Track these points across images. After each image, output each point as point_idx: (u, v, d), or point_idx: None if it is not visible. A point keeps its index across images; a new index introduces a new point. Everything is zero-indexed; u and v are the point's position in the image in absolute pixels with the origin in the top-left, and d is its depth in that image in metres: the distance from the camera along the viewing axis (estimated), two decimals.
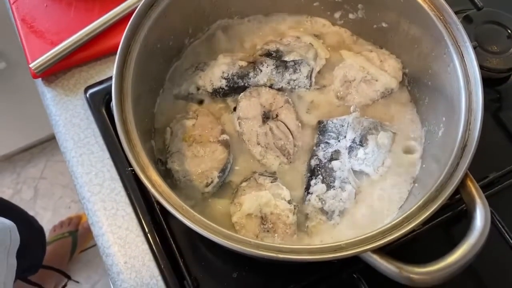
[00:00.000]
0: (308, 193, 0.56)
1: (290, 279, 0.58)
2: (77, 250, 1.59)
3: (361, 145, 0.57)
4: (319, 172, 0.57)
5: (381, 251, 0.43)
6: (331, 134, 0.58)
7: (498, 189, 0.64)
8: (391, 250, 0.44)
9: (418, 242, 0.61)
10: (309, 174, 0.58)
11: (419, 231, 0.60)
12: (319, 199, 0.55)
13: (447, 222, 0.62)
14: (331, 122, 0.59)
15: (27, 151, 1.80)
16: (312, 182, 0.57)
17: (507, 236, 0.60)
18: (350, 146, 0.57)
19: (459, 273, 0.58)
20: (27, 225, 1.23)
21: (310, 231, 0.55)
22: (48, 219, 1.67)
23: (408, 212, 0.44)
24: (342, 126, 0.58)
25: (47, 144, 1.81)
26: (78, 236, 1.59)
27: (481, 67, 0.70)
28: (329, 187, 0.56)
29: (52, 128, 0.71)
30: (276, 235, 0.53)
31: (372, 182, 0.57)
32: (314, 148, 0.59)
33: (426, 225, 0.60)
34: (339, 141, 0.58)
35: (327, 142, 0.58)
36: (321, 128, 0.60)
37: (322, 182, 0.56)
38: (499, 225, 0.60)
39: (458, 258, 0.42)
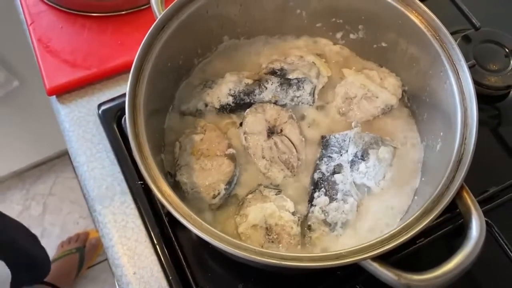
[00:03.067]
0: (312, 205, 0.58)
1: None
2: (84, 267, 1.60)
3: (363, 159, 0.59)
4: (322, 185, 0.59)
5: (381, 259, 0.45)
6: (334, 148, 0.60)
7: (498, 203, 0.65)
8: (395, 262, 0.46)
9: (421, 254, 0.62)
10: (312, 187, 0.60)
11: (422, 244, 0.62)
12: (322, 211, 0.57)
13: (449, 235, 0.63)
14: (333, 137, 0.61)
15: (36, 168, 1.83)
16: (316, 194, 0.59)
17: (507, 249, 0.61)
18: (352, 160, 0.59)
19: (459, 281, 0.60)
20: (31, 240, 1.25)
21: (313, 242, 0.57)
22: (56, 235, 1.69)
23: (406, 223, 0.46)
24: (344, 140, 0.60)
25: (57, 161, 1.84)
26: (86, 253, 1.60)
27: (480, 85, 0.73)
28: (331, 199, 0.58)
29: (63, 145, 0.74)
30: (280, 245, 0.55)
31: (373, 195, 0.59)
32: (317, 162, 0.61)
33: (428, 238, 0.62)
34: (341, 155, 0.60)
35: (330, 156, 0.60)
36: (324, 142, 0.62)
37: (325, 194, 0.58)
38: (499, 238, 0.62)
39: (454, 266, 0.43)
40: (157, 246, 0.63)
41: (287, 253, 0.44)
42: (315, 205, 0.58)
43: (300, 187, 0.61)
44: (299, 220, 0.57)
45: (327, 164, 0.60)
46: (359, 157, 0.59)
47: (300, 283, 0.61)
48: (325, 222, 0.57)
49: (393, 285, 0.44)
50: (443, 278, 0.43)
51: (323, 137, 0.63)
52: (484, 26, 0.76)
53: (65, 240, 1.63)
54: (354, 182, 0.59)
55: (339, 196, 0.58)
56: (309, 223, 0.58)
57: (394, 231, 0.45)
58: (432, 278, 0.43)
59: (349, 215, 0.57)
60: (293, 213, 0.57)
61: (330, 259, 0.44)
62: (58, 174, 1.83)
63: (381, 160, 0.59)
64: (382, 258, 0.44)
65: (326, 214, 0.57)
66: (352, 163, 0.59)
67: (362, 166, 0.59)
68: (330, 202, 0.58)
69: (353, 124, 0.63)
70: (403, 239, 0.45)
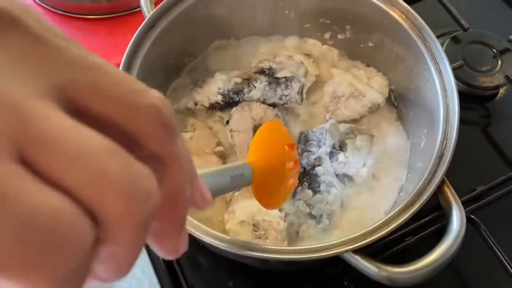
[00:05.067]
0: (296, 199, 0.59)
1: None
2: None
3: (341, 150, 0.60)
4: (304, 179, 0.60)
5: (363, 252, 0.45)
6: (313, 142, 0.61)
7: (486, 201, 0.66)
8: (383, 259, 0.46)
9: (409, 252, 0.63)
10: None
11: (410, 242, 0.62)
12: (307, 204, 0.59)
13: (437, 233, 0.63)
14: (311, 132, 0.63)
15: None
16: (299, 189, 0.60)
17: (494, 247, 0.61)
18: (330, 151, 0.60)
19: (447, 281, 0.61)
20: None
21: (301, 236, 0.57)
22: None
23: (388, 216, 0.47)
24: (322, 134, 0.61)
25: None
26: None
27: (469, 85, 0.74)
28: (315, 192, 0.59)
29: None
30: (268, 241, 0.56)
31: (357, 186, 0.60)
32: (298, 157, 0.62)
33: (416, 236, 0.63)
34: (320, 148, 0.61)
35: (309, 151, 0.61)
36: (302, 138, 0.63)
37: (308, 188, 0.59)
38: (487, 236, 0.62)
39: (435, 258, 0.44)
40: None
41: (270, 246, 0.45)
42: (299, 199, 0.59)
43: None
44: (285, 216, 0.57)
45: (307, 158, 0.61)
46: (337, 148, 0.60)
47: (289, 280, 0.61)
48: (310, 215, 0.58)
49: (374, 278, 0.44)
50: (424, 270, 0.44)
51: (301, 133, 0.64)
52: (473, 28, 0.77)
53: None
54: (335, 173, 0.60)
55: (322, 187, 0.59)
56: (295, 217, 0.58)
57: (376, 224, 0.46)
58: (413, 270, 0.44)
59: (333, 206, 0.58)
60: (279, 209, 0.57)
61: (312, 252, 0.45)
62: None
63: (359, 149, 0.60)
64: (368, 254, 0.45)
65: (311, 207, 0.58)
66: (331, 154, 0.60)
67: (341, 156, 0.60)
68: (313, 194, 0.59)
69: (327, 116, 0.64)
70: (384, 232, 0.45)
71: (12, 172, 0.14)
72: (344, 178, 0.60)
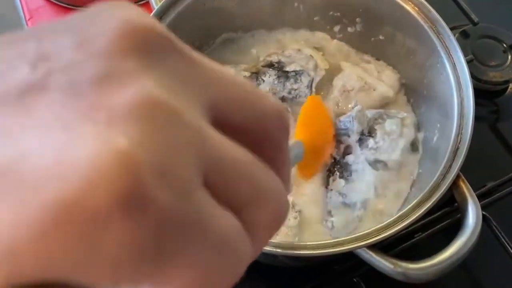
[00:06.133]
0: (329, 190, 0.59)
1: (291, 285, 0.59)
2: None
3: (370, 136, 0.59)
4: (335, 169, 0.59)
5: (377, 248, 0.45)
6: (341, 131, 0.60)
7: (496, 197, 0.65)
8: (393, 255, 0.46)
9: (419, 248, 0.62)
10: (327, 173, 0.60)
11: (420, 237, 0.62)
12: (340, 193, 0.58)
13: (447, 229, 0.63)
14: (338, 121, 0.61)
15: None
16: (330, 179, 0.59)
17: (505, 243, 0.61)
18: (359, 138, 0.59)
19: (457, 275, 0.60)
20: None
21: (337, 228, 0.56)
22: None
23: (403, 212, 0.46)
24: (350, 121, 0.60)
25: None
26: None
27: (479, 80, 0.73)
28: (347, 181, 0.58)
29: None
30: (277, 237, 0.55)
31: (391, 170, 0.58)
32: None
33: (426, 232, 0.62)
34: (349, 137, 0.60)
35: (339, 141, 0.60)
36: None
37: (340, 177, 0.59)
38: (497, 232, 0.62)
39: (450, 254, 0.43)
40: None
41: (283, 242, 0.44)
42: (332, 190, 0.58)
43: (300, 183, 0.60)
44: (296, 212, 0.57)
45: (337, 149, 0.60)
46: (366, 134, 0.59)
47: (296, 276, 0.61)
48: (344, 204, 0.57)
49: (389, 274, 0.44)
50: (439, 266, 0.43)
51: None
52: (483, 22, 0.76)
53: None
54: (367, 160, 0.58)
55: (354, 176, 0.58)
56: (328, 208, 0.58)
57: (390, 220, 0.45)
58: (428, 266, 0.43)
59: (367, 194, 0.57)
60: (291, 206, 0.56)
61: (326, 247, 0.44)
62: None
63: (389, 133, 0.58)
64: (377, 246, 0.44)
65: (345, 196, 0.57)
66: (360, 141, 0.59)
67: (371, 142, 0.58)
68: (346, 183, 0.58)
69: (352, 103, 0.63)
70: (399, 228, 0.45)
71: (205, 197, 0.15)
72: (376, 164, 0.58)
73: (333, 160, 0.60)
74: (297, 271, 0.61)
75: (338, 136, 0.60)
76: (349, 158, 0.59)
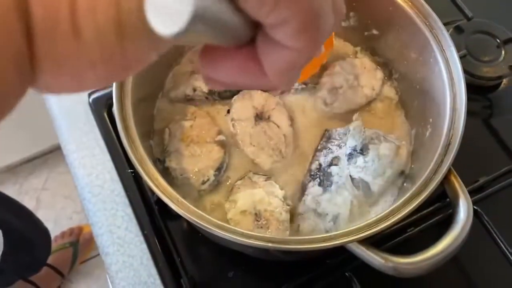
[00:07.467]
0: (305, 194, 0.58)
1: (283, 279, 0.59)
2: (77, 261, 1.60)
3: (362, 153, 0.57)
4: (317, 175, 0.58)
5: (369, 243, 0.45)
6: (334, 141, 0.60)
7: (488, 192, 0.65)
8: (385, 250, 0.46)
9: (411, 243, 0.62)
10: (308, 177, 0.59)
11: (412, 232, 0.62)
12: (314, 200, 0.57)
13: (439, 225, 0.63)
14: (335, 130, 0.61)
15: (29, 162, 1.82)
16: (310, 184, 0.58)
17: (497, 238, 0.61)
18: (350, 153, 0.58)
19: (448, 271, 0.60)
20: (33, 225, 1.25)
21: (301, 231, 0.56)
22: (50, 229, 1.68)
23: (394, 206, 0.46)
24: (345, 134, 0.59)
25: (50, 155, 1.83)
26: (79, 247, 1.60)
27: (472, 75, 0.73)
28: (325, 190, 0.57)
29: (56, 139, 0.73)
30: (269, 231, 0.55)
31: (372, 197, 0.57)
32: (317, 153, 0.60)
33: (419, 227, 0.62)
34: (340, 148, 0.59)
35: (329, 149, 0.60)
36: (325, 135, 0.61)
37: (319, 185, 0.58)
38: (489, 227, 0.62)
39: (442, 249, 0.43)
40: (147, 235, 0.63)
41: (274, 236, 0.44)
42: (308, 194, 0.57)
43: (290, 177, 0.60)
44: (288, 206, 0.57)
45: (325, 156, 0.59)
46: (358, 151, 0.57)
47: (289, 271, 0.61)
48: (315, 212, 0.56)
49: (379, 268, 0.44)
50: (431, 261, 0.43)
51: (326, 130, 0.62)
52: (477, 17, 0.76)
53: (59, 234, 1.62)
54: (351, 176, 0.57)
55: (333, 187, 0.57)
56: (299, 211, 0.57)
57: (381, 214, 0.45)
58: (419, 261, 0.43)
59: (341, 209, 0.56)
60: (282, 200, 0.56)
61: (317, 242, 0.44)
62: (51, 169, 1.82)
63: (381, 157, 0.57)
64: (368, 241, 0.44)
65: (318, 204, 0.57)
66: (350, 156, 0.58)
67: (360, 160, 0.57)
68: (323, 192, 0.57)
69: (354, 117, 0.62)
70: (390, 222, 0.45)
71: None
72: (359, 183, 0.57)
73: (318, 166, 0.59)
74: (290, 265, 0.61)
75: (331, 144, 0.60)
76: (334, 169, 0.58)
